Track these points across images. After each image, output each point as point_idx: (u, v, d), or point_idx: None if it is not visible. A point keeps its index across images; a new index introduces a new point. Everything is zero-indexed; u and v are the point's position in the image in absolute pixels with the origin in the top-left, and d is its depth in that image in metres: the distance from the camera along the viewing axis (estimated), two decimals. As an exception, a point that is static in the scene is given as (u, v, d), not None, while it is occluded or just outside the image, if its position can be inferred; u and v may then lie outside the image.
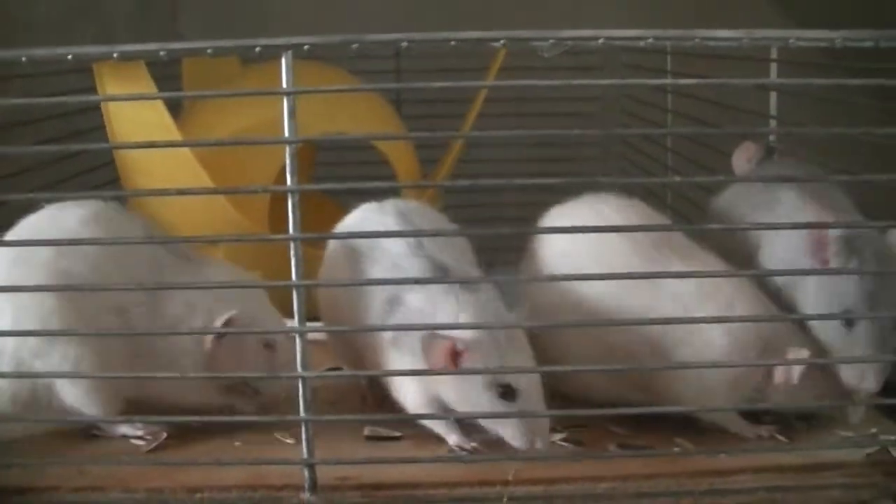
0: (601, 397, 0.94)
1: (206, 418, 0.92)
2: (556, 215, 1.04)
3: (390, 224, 1.00)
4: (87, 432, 0.96)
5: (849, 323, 0.92)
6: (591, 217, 0.99)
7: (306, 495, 0.83)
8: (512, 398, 0.88)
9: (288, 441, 0.94)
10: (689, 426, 0.93)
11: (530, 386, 0.88)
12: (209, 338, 0.94)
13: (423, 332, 0.86)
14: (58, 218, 0.95)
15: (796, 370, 0.90)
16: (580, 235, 0.96)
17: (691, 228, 1.04)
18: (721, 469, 0.86)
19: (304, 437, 0.83)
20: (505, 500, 0.83)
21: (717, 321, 0.90)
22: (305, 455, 0.83)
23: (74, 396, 0.93)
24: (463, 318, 0.89)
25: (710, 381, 0.91)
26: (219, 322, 0.94)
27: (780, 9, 1.98)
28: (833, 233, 0.91)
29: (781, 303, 0.97)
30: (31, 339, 0.90)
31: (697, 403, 0.91)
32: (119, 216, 0.98)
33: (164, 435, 0.95)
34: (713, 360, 0.91)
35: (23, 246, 0.92)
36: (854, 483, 0.87)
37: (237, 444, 0.94)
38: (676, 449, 0.88)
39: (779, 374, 0.91)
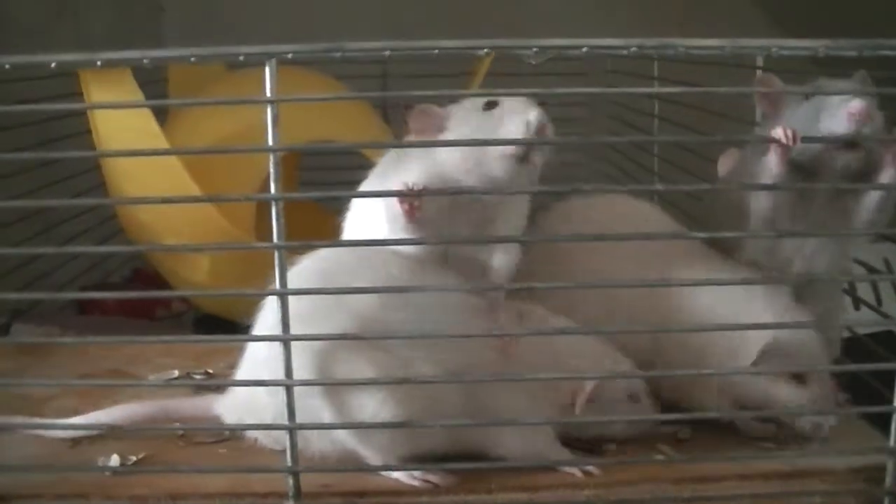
0: None
1: (191, 426, 0.92)
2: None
3: None
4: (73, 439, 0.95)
5: None
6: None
7: (290, 503, 0.83)
8: None
9: (276, 448, 0.93)
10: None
11: None
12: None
13: None
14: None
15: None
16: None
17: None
18: (705, 475, 0.87)
19: (288, 444, 0.83)
20: (487, 507, 0.83)
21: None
22: (290, 463, 0.83)
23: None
24: None
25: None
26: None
27: (769, 16, 1.99)
28: None
29: None
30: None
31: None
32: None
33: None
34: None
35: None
36: (837, 490, 0.87)
37: (222, 451, 0.94)
38: (659, 457, 0.88)
39: None
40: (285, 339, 0.80)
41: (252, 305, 0.98)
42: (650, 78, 1.53)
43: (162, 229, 1.21)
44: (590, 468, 0.87)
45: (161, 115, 1.24)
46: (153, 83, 1.47)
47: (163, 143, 1.15)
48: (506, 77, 1.23)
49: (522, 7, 2.09)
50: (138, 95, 1.09)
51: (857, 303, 1.27)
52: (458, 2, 2.06)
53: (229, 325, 1.36)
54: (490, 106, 0.89)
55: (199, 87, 1.40)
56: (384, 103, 1.70)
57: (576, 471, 0.86)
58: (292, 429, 0.82)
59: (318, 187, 1.47)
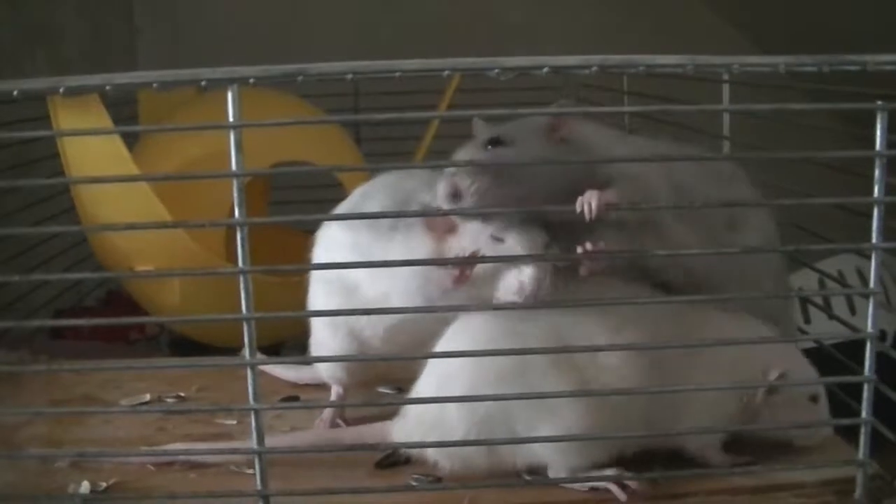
0: None
1: (162, 449, 0.92)
2: None
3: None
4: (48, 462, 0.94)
5: None
6: None
7: (262, 527, 0.83)
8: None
9: (248, 472, 0.92)
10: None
11: None
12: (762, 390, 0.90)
13: None
14: None
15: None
16: None
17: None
18: (674, 493, 0.87)
19: (257, 468, 0.83)
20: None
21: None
22: (259, 487, 0.83)
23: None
24: None
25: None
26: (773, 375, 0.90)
27: (746, 35, 2.01)
28: None
29: None
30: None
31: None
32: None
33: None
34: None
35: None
36: (807, 503, 0.87)
37: (192, 475, 0.93)
38: (628, 474, 0.88)
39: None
40: (251, 364, 0.80)
41: (225, 327, 0.97)
42: (621, 92, 1.54)
43: (130, 251, 1.21)
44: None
45: (132, 135, 1.23)
46: (126, 104, 1.47)
47: (131, 167, 1.15)
48: (477, 92, 1.24)
49: (498, 22, 2.11)
50: (106, 120, 1.09)
51: (821, 314, 1.27)
52: (434, 17, 2.07)
53: (203, 347, 1.36)
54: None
55: (170, 109, 1.40)
56: (356, 122, 1.71)
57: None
58: (261, 452, 0.82)
59: (289, 206, 1.47)
